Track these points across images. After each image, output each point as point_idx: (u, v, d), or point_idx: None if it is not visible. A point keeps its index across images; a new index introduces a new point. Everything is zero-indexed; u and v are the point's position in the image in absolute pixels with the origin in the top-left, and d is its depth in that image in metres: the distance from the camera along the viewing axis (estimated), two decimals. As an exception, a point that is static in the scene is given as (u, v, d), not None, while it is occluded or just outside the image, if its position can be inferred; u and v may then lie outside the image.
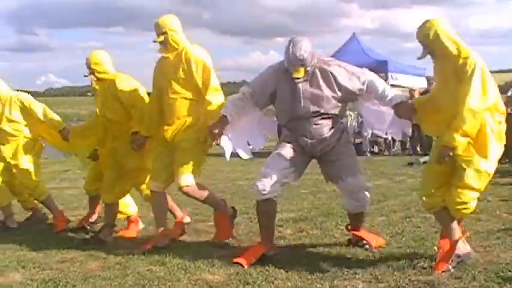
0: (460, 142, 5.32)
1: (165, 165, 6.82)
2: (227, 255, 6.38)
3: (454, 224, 5.78)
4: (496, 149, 5.52)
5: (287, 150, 6.21)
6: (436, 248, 6.07)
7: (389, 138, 19.90)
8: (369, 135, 20.13)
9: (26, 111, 8.37)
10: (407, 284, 5.22)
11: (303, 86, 5.98)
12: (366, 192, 6.58)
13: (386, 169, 14.84)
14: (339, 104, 6.13)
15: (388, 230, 7.38)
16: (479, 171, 5.43)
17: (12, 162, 8.37)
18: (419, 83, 21.52)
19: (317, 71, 6.01)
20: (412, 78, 21.54)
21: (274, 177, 6.07)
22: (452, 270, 5.47)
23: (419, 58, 5.73)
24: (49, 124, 8.41)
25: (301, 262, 6.05)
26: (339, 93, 6.05)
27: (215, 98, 6.53)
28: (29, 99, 8.48)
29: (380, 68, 20.13)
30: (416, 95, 19.26)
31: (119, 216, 7.91)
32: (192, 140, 6.60)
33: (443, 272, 5.46)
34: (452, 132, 5.32)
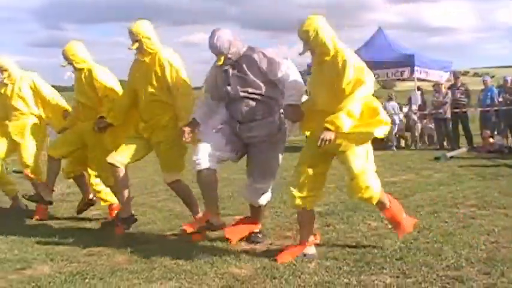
0: (343, 123, 5.65)
1: (132, 147, 7.23)
2: (254, 249, 6.39)
3: (311, 228, 6.34)
4: (367, 136, 6.00)
5: (224, 130, 6.65)
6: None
7: (417, 132, 19.89)
8: (395, 130, 20.05)
9: (34, 89, 8.92)
10: (435, 280, 5.19)
11: (231, 72, 6.47)
12: (267, 194, 6.94)
13: (413, 164, 14.73)
14: (265, 87, 6.44)
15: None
16: (359, 155, 5.91)
17: (17, 139, 8.89)
18: (446, 77, 21.36)
19: (242, 58, 6.45)
20: (439, 73, 21.34)
21: (208, 150, 6.43)
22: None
23: (300, 54, 6.13)
24: (54, 105, 8.94)
25: (327, 256, 6.03)
26: (261, 77, 6.41)
27: (185, 101, 6.92)
28: (37, 79, 9.02)
29: (406, 62, 20.01)
30: (443, 89, 19.17)
31: (103, 204, 8.55)
32: (170, 140, 7.06)
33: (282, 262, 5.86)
34: (337, 115, 5.64)
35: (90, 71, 7.84)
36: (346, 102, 5.69)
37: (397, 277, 5.30)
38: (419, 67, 20.20)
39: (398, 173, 12.72)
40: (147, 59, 7.03)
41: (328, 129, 5.66)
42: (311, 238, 6.31)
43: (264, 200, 6.91)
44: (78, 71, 7.94)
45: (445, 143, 19.34)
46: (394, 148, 19.40)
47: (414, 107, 20.85)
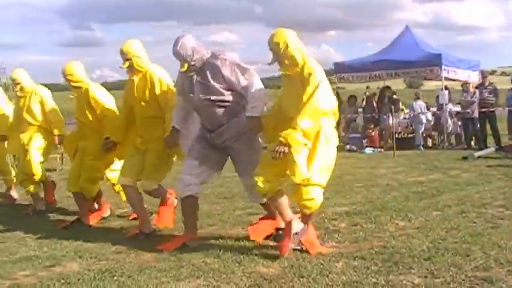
0: (297, 141, 5.86)
1: (136, 163, 7.47)
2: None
3: (287, 206, 6.45)
4: (325, 152, 6.15)
5: (196, 152, 6.83)
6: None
7: (446, 132, 19.78)
8: (422, 129, 19.97)
9: (42, 104, 9.53)
10: (463, 280, 5.15)
11: (195, 78, 6.59)
12: None
13: (440, 163, 14.64)
14: (227, 93, 6.55)
15: (444, 224, 7.28)
16: (321, 170, 6.06)
17: (26, 147, 9.44)
18: (473, 77, 21.20)
19: (206, 65, 6.56)
20: (466, 72, 21.19)
21: (189, 180, 6.72)
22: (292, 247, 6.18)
23: (269, 64, 6.35)
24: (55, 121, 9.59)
25: (355, 256, 6.01)
26: (224, 84, 6.51)
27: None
28: (45, 95, 9.63)
29: (434, 61, 19.87)
30: (471, 88, 19.04)
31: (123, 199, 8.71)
32: (159, 150, 7.28)
33: (285, 252, 6.06)
34: (290, 132, 5.86)
35: (87, 90, 8.20)
36: (299, 117, 5.92)
37: (426, 277, 5.26)
38: (447, 66, 20.06)
39: (426, 173, 12.66)
40: (137, 77, 7.34)
41: (281, 143, 5.88)
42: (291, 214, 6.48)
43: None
44: (75, 90, 8.31)
45: (472, 143, 19.22)
46: (422, 147, 19.31)
47: (450, 106, 20.67)
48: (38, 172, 9.45)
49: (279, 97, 6.59)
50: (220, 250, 6.37)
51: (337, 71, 22.22)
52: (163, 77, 7.33)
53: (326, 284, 5.19)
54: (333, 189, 10.47)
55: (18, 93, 9.66)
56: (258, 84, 6.51)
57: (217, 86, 6.49)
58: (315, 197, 6.06)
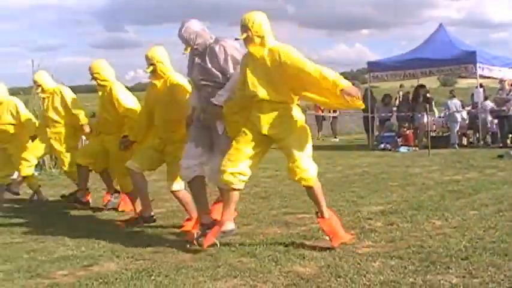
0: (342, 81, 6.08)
1: (149, 156, 7.88)
2: (318, 248, 6.38)
3: (233, 207, 6.55)
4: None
5: (192, 134, 7.14)
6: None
7: (487, 129, 19.62)
8: (457, 128, 19.83)
9: (64, 103, 10.07)
10: (502, 280, 5.09)
11: (196, 60, 6.94)
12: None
13: (476, 162, 14.54)
14: (222, 77, 6.84)
15: (481, 224, 7.22)
16: (302, 145, 6.41)
17: (55, 145, 10.21)
18: (509, 74, 21.01)
19: (207, 49, 6.87)
20: (501, 69, 21.00)
21: (190, 163, 7.04)
22: (217, 242, 6.41)
23: (236, 38, 6.57)
24: (76, 117, 10.05)
25: (392, 255, 5.97)
26: (219, 68, 6.83)
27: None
28: (66, 93, 10.17)
29: (468, 59, 19.73)
30: (507, 86, 18.87)
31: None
32: (179, 154, 7.35)
33: (209, 246, 6.36)
34: (335, 80, 6.07)
35: (111, 90, 8.80)
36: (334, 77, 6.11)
37: (463, 277, 5.22)
38: (482, 64, 19.92)
39: (461, 171, 12.59)
40: (158, 83, 7.69)
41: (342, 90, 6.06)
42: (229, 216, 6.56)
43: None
44: (101, 88, 8.93)
45: (508, 141, 19.06)
46: (457, 146, 19.20)
47: (487, 103, 20.49)
48: (67, 164, 10.24)
49: (241, 82, 6.61)
50: (256, 249, 6.38)
51: (371, 70, 22.17)
52: (183, 82, 7.64)
53: (363, 283, 5.16)
54: (368, 188, 10.49)
55: (40, 95, 10.39)
56: (236, 76, 6.77)
57: (213, 69, 6.82)
58: (308, 168, 6.34)
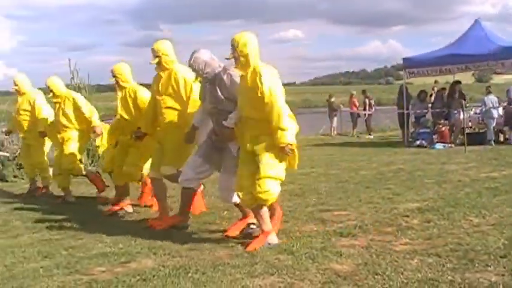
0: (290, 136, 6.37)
1: (159, 151, 8.26)
2: (354, 245, 6.38)
3: (267, 218, 6.76)
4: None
5: (202, 150, 7.53)
6: None
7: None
8: (494, 124, 19.63)
9: (76, 107, 10.56)
10: (542, 278, 5.06)
11: (207, 88, 7.30)
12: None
13: (512, 159, 14.38)
14: (231, 104, 7.05)
15: (520, 221, 7.17)
16: (273, 165, 6.51)
17: (63, 146, 10.63)
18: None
19: (216, 77, 7.19)
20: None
21: (190, 174, 7.50)
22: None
23: (226, 58, 6.82)
24: (88, 121, 10.58)
25: (429, 253, 5.95)
26: (227, 96, 7.10)
27: (192, 109, 7.87)
28: (78, 98, 10.71)
29: (506, 54, 19.47)
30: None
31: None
32: (176, 138, 7.90)
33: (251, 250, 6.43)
34: (281, 132, 6.36)
35: (135, 92, 9.06)
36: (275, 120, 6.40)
37: (503, 275, 5.18)
38: (520, 59, 19.63)
39: (498, 168, 12.45)
40: (163, 74, 8.12)
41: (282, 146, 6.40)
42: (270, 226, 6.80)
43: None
44: (121, 89, 9.17)
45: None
46: (493, 143, 19.00)
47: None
48: (75, 167, 10.65)
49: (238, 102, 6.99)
50: (293, 246, 6.39)
51: (406, 66, 22.01)
52: (186, 74, 7.95)
53: (401, 281, 5.15)
54: (404, 185, 10.43)
55: (52, 99, 10.82)
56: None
57: (222, 97, 7.11)
58: (269, 189, 6.48)
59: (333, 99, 29.97)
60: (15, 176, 14.55)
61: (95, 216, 9.11)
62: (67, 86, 11.93)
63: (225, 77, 7.11)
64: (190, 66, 7.29)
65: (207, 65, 7.19)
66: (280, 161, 6.56)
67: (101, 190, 10.99)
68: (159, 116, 8.19)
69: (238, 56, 6.63)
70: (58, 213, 9.43)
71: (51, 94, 10.69)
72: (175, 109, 8.03)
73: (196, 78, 7.52)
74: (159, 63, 8.08)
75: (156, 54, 8.04)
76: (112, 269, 6.03)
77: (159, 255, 6.46)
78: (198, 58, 7.20)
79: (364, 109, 28.56)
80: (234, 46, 6.65)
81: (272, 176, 6.49)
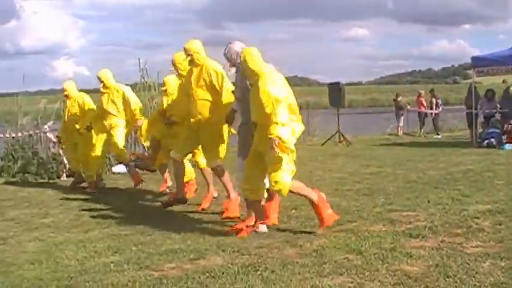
0: (282, 131, 6.75)
1: (189, 144, 9.03)
2: (424, 246, 6.31)
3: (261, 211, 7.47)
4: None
5: (244, 151, 7.82)
6: None
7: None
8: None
9: (124, 99, 11.57)
10: None
11: (238, 77, 7.98)
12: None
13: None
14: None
15: None
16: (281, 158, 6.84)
17: (111, 131, 11.64)
18: None
19: None
20: None
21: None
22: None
23: (227, 69, 8.08)
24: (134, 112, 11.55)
25: (502, 256, 5.84)
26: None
27: (228, 96, 8.44)
28: (125, 90, 11.71)
29: None
30: None
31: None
32: (212, 130, 8.61)
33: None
34: (274, 125, 6.76)
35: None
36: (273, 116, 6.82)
37: None
38: None
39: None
40: (196, 69, 8.64)
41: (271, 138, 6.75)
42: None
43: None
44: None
45: None
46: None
47: None
48: (121, 153, 11.86)
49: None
50: (362, 247, 6.36)
51: (475, 65, 21.67)
52: (217, 68, 8.61)
53: (473, 285, 5.08)
54: (474, 186, 10.26)
55: (102, 90, 11.74)
56: None
57: (249, 86, 7.51)
58: (281, 180, 6.91)
59: (399, 99, 29.67)
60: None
61: (163, 214, 9.18)
62: (136, 84, 12.59)
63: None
64: (224, 55, 8.14)
65: (238, 56, 7.77)
66: (288, 154, 6.93)
67: (136, 183, 11.65)
68: (192, 107, 8.70)
69: (245, 71, 7.34)
70: (126, 209, 9.68)
71: (101, 85, 11.67)
72: (207, 100, 8.58)
73: (230, 67, 8.27)
74: (191, 61, 8.64)
75: (188, 53, 8.62)
76: (181, 266, 6.10)
77: (228, 252, 6.50)
78: (231, 49, 8.05)
79: (431, 108, 28.21)
80: (242, 66, 7.34)
81: (283, 168, 6.90)
